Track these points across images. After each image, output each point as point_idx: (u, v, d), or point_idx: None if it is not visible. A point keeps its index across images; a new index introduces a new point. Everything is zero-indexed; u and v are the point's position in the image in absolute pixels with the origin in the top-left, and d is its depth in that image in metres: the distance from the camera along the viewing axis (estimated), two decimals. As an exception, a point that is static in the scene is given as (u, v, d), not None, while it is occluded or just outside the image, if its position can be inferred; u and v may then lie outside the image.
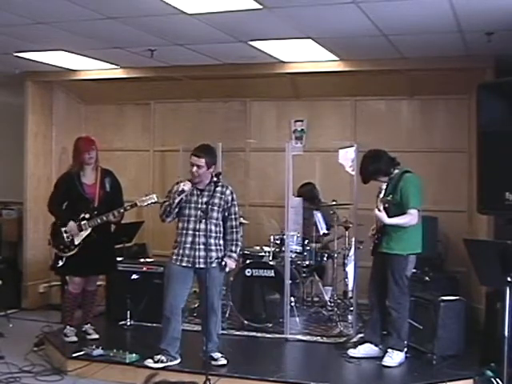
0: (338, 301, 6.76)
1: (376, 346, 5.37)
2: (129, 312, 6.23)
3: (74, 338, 5.75)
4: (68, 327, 5.79)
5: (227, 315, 6.32)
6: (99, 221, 5.56)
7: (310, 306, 6.90)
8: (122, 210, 5.61)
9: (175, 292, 5.14)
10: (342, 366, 5.34)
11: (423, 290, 5.89)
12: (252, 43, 5.85)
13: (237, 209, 5.27)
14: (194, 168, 5.03)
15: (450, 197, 7.10)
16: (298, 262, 6.57)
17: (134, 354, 5.22)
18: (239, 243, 5.28)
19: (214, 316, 5.20)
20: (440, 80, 6.96)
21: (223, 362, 5.16)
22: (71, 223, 5.59)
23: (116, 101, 8.45)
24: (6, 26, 5.32)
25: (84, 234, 5.59)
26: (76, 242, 5.59)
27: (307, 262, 6.60)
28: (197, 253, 5.07)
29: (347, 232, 6.71)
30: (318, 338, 5.97)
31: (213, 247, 5.10)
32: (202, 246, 5.04)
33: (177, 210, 5.11)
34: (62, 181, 5.80)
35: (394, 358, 5.19)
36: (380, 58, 6.40)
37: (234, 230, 5.22)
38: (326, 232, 6.84)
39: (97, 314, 6.31)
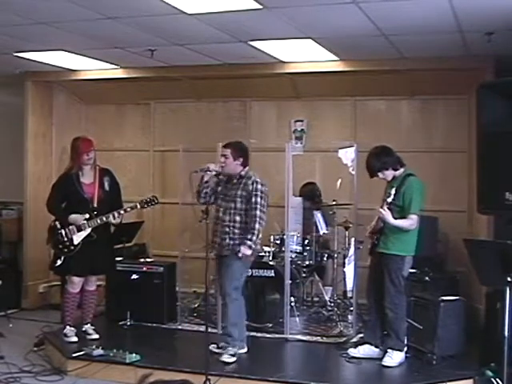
0: (338, 301, 6.75)
1: (376, 347, 5.36)
2: (129, 312, 6.23)
3: (74, 338, 5.74)
4: (68, 327, 5.79)
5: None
6: (99, 221, 5.56)
7: (310, 306, 6.90)
8: (122, 212, 5.60)
9: (219, 279, 5.48)
10: (342, 366, 5.34)
11: (423, 290, 5.90)
12: (252, 43, 5.85)
13: (259, 199, 5.29)
14: (222, 158, 5.36)
15: (450, 197, 7.10)
16: (298, 262, 6.57)
17: (133, 354, 5.22)
18: (255, 232, 5.26)
19: (227, 304, 5.36)
20: (440, 80, 6.96)
21: (227, 358, 5.21)
22: (73, 215, 5.57)
23: (116, 101, 8.44)
24: (6, 26, 5.32)
25: (83, 234, 5.59)
26: (75, 242, 5.59)
27: (307, 262, 6.60)
28: (222, 242, 5.32)
29: (347, 232, 6.72)
30: (318, 338, 5.97)
31: (236, 236, 5.29)
32: (225, 236, 5.31)
33: (206, 190, 5.40)
34: (61, 181, 5.79)
35: (394, 357, 5.19)
36: (380, 58, 6.40)
37: (254, 219, 5.26)
38: (326, 232, 6.84)
39: (97, 314, 6.31)
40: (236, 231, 5.30)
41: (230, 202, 5.33)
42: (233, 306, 5.35)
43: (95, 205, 5.64)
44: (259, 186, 5.31)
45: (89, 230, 5.58)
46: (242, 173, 5.38)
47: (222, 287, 5.40)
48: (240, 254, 5.23)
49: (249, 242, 5.24)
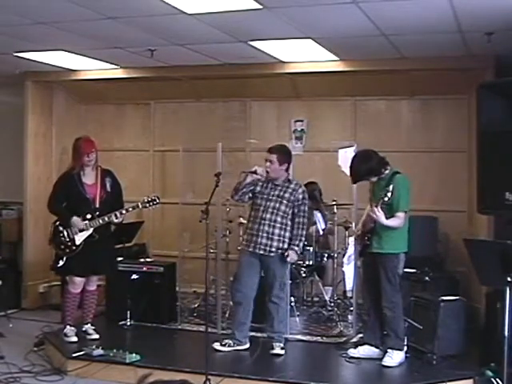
0: (338, 301, 6.76)
1: (376, 347, 5.36)
2: (129, 312, 6.23)
3: (74, 338, 5.74)
4: (68, 327, 5.79)
5: (227, 315, 6.31)
6: (101, 221, 5.56)
7: (309, 306, 6.90)
8: (124, 212, 5.60)
9: (244, 279, 5.52)
10: (342, 366, 5.34)
11: (423, 290, 5.90)
12: (252, 43, 5.85)
13: (306, 208, 5.56)
14: (267, 163, 5.46)
15: (450, 197, 7.10)
16: (298, 262, 6.56)
17: (133, 354, 5.22)
18: (303, 238, 5.58)
19: (271, 303, 5.53)
20: (440, 80, 6.96)
21: (279, 351, 5.47)
22: (75, 218, 5.56)
23: (116, 101, 8.45)
24: (6, 26, 5.32)
25: (85, 234, 5.58)
26: (77, 242, 5.58)
27: (307, 262, 6.60)
28: (259, 239, 5.43)
29: (347, 232, 6.72)
30: (318, 338, 5.98)
31: (275, 237, 5.43)
32: (264, 234, 5.43)
33: (245, 190, 5.50)
34: (62, 181, 5.79)
35: (394, 357, 5.18)
36: (380, 58, 6.40)
37: (301, 226, 5.52)
38: (325, 228, 6.84)
39: (97, 314, 6.30)
40: (276, 231, 5.43)
41: (274, 202, 5.46)
42: (282, 306, 5.59)
43: (97, 205, 5.64)
44: (306, 195, 5.61)
45: (91, 231, 5.58)
46: (290, 177, 5.59)
47: (266, 289, 5.52)
48: (289, 259, 5.47)
49: (296, 248, 5.49)
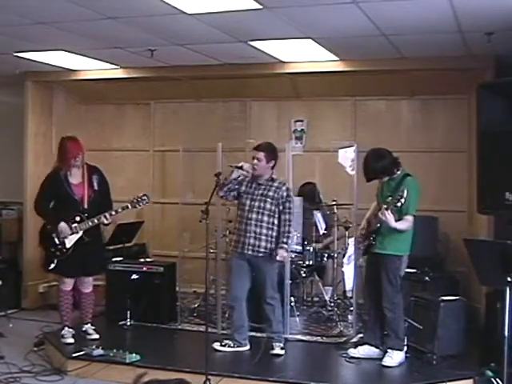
0: (338, 301, 6.75)
1: (376, 347, 5.35)
2: (129, 312, 6.23)
3: (71, 340, 5.69)
4: (66, 328, 5.75)
5: (227, 315, 6.31)
6: (90, 224, 5.50)
7: (309, 306, 6.90)
8: (113, 213, 5.56)
9: (235, 282, 5.54)
10: (342, 366, 5.34)
11: (423, 290, 5.90)
12: (252, 43, 5.85)
13: (292, 204, 5.54)
14: (255, 160, 5.44)
15: (450, 197, 7.10)
16: (298, 262, 6.57)
17: (133, 354, 5.22)
18: (290, 235, 5.58)
19: (266, 305, 5.48)
20: (440, 80, 6.96)
21: (280, 351, 5.45)
22: (62, 224, 5.51)
23: (116, 101, 8.44)
24: (6, 26, 5.32)
25: (75, 237, 5.53)
26: (67, 246, 5.53)
27: (307, 262, 6.60)
28: (246, 240, 5.41)
29: (347, 232, 6.72)
30: (318, 338, 5.97)
31: (263, 237, 5.42)
32: (252, 234, 5.42)
33: (230, 185, 5.47)
34: (49, 180, 5.69)
35: (394, 357, 5.18)
36: (380, 58, 6.41)
37: (287, 223, 5.49)
38: (325, 232, 6.84)
39: (97, 314, 6.30)
40: (263, 231, 5.42)
41: (259, 201, 5.44)
42: (278, 306, 5.57)
43: (85, 206, 5.58)
44: (291, 193, 5.61)
45: (81, 233, 5.53)
46: (274, 176, 5.56)
47: (258, 290, 5.49)
48: (278, 257, 5.42)
49: (285, 246, 5.45)
